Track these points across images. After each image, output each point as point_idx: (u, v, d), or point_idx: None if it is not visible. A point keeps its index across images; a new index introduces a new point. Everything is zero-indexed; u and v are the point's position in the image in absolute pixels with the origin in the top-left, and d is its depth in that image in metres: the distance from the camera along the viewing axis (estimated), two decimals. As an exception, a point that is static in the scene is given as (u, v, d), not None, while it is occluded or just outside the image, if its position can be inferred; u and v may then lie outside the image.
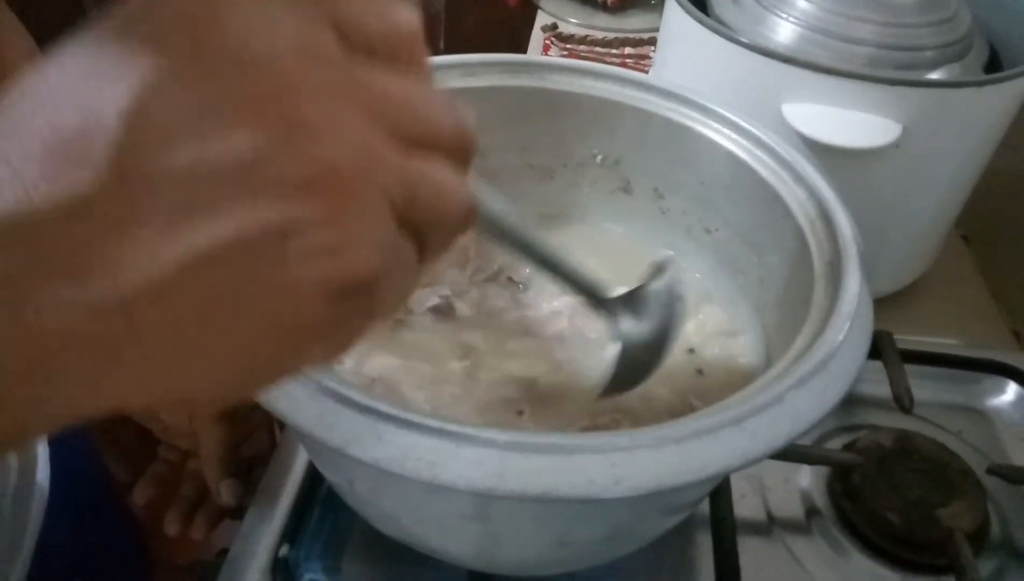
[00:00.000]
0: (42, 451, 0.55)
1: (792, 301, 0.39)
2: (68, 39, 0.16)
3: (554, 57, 0.96)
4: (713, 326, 0.46)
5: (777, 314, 0.43)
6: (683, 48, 0.60)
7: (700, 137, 0.46)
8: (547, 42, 0.99)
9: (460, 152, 0.19)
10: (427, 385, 0.41)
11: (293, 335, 0.16)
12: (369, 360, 0.41)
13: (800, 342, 0.33)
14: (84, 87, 0.15)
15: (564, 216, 0.53)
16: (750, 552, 0.46)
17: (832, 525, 0.49)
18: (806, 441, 0.52)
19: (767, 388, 0.30)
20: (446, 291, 0.46)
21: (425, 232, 0.18)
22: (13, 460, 0.49)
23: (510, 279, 0.48)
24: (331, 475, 0.40)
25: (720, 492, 0.47)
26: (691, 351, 0.44)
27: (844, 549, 0.47)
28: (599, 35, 1.00)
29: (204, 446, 0.51)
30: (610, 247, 0.51)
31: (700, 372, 0.43)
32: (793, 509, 0.50)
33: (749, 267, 0.46)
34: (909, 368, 0.53)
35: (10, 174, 0.14)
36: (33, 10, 0.59)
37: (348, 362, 0.41)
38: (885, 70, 0.53)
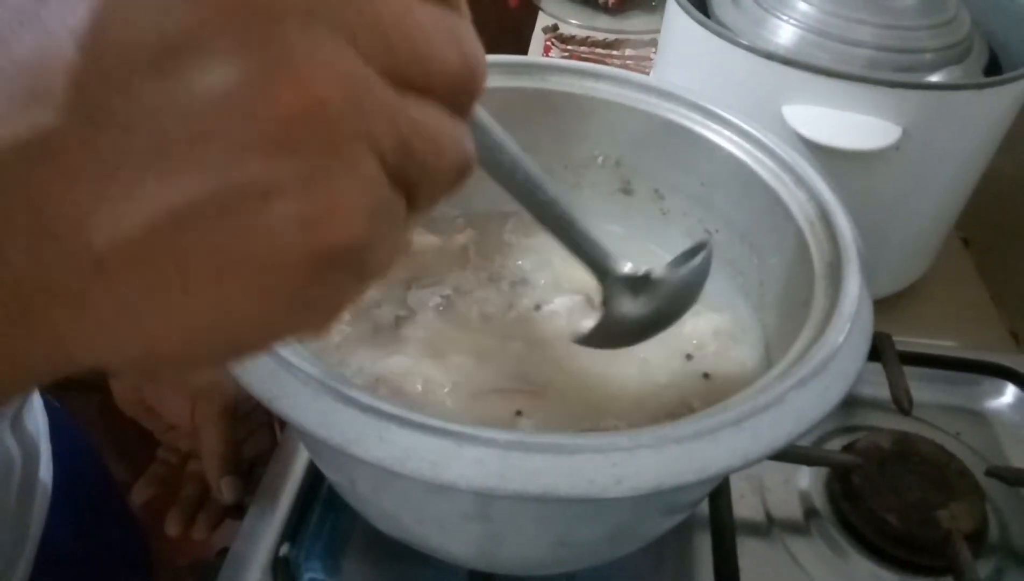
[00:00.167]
0: (45, 450, 0.55)
1: (792, 302, 0.39)
2: None
3: (555, 58, 0.96)
4: (713, 327, 0.46)
5: (777, 315, 0.43)
6: (684, 50, 0.60)
7: (700, 138, 0.46)
8: (548, 43, 0.99)
9: (464, 95, 0.17)
10: (427, 384, 0.41)
11: (276, 301, 0.15)
12: (370, 360, 0.41)
13: (800, 343, 0.33)
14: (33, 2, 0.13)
15: (565, 217, 0.53)
16: (749, 553, 0.46)
17: (831, 526, 0.49)
18: (805, 442, 0.52)
19: (768, 389, 0.30)
20: (447, 291, 0.46)
21: (416, 185, 0.16)
22: (17, 459, 0.49)
23: (510, 279, 0.48)
24: (332, 474, 0.40)
25: (719, 493, 0.47)
26: (690, 353, 0.44)
27: (843, 550, 0.48)
28: (600, 36, 1.00)
29: (205, 443, 0.51)
30: (610, 248, 0.51)
31: (699, 372, 0.44)
32: (792, 510, 0.50)
33: (749, 268, 0.46)
34: (908, 370, 0.53)
35: None
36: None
37: (351, 363, 0.41)
38: (885, 72, 0.53)
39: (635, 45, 0.99)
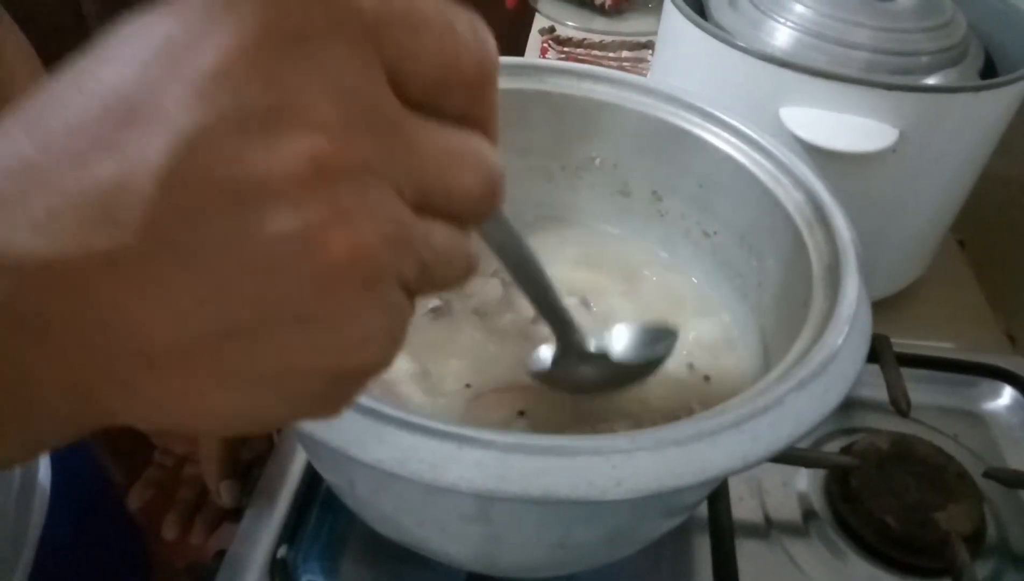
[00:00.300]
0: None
1: (790, 304, 0.39)
2: (73, 56, 0.15)
3: (552, 60, 0.96)
4: (711, 329, 0.46)
5: (775, 317, 0.43)
6: (681, 52, 0.60)
7: (698, 140, 0.46)
8: (545, 45, 0.99)
9: (480, 215, 0.19)
10: (427, 386, 0.41)
11: (302, 402, 0.17)
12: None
13: (799, 345, 0.33)
14: (117, 125, 0.14)
15: (562, 218, 0.53)
16: (748, 555, 0.46)
17: (829, 528, 0.49)
18: (804, 444, 0.52)
19: (767, 391, 0.30)
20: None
21: (426, 290, 0.19)
22: (14, 461, 0.49)
23: (509, 280, 0.48)
24: (331, 476, 0.40)
25: (718, 495, 0.47)
26: (690, 355, 0.44)
27: (841, 552, 0.48)
28: (597, 38, 1.00)
29: (204, 447, 0.51)
30: (608, 249, 0.51)
31: (699, 375, 0.44)
32: (791, 512, 0.50)
33: (747, 270, 0.46)
34: (905, 372, 0.54)
35: (45, 217, 0.14)
36: (33, 18, 0.59)
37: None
38: (882, 75, 0.53)
39: (632, 47, 0.99)
